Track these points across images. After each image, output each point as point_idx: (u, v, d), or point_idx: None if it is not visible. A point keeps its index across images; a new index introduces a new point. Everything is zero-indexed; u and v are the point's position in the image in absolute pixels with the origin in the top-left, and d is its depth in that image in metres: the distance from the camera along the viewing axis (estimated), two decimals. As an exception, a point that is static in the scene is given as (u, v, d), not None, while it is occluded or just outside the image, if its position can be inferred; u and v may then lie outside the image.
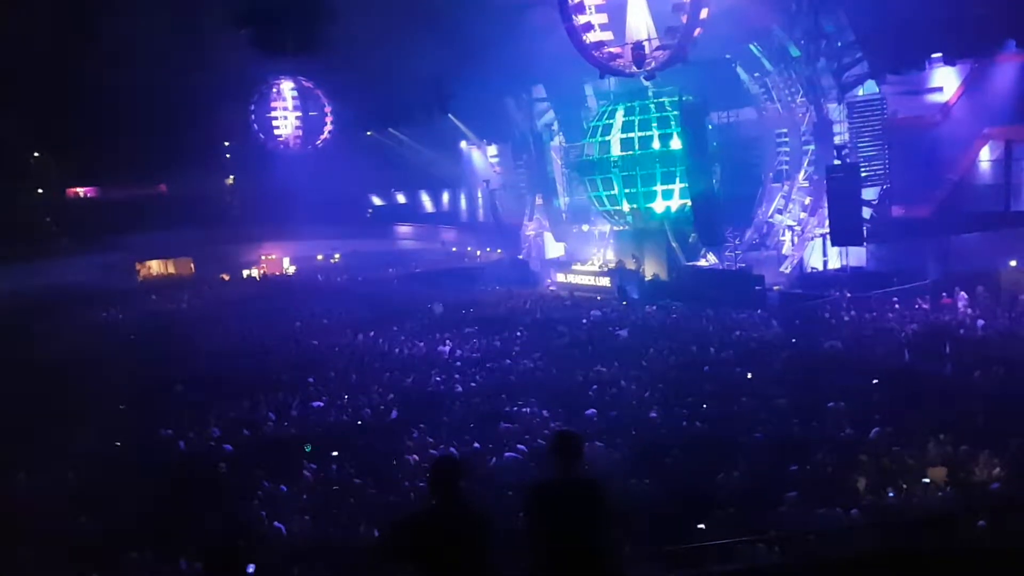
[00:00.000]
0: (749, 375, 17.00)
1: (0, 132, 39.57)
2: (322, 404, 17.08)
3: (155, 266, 52.03)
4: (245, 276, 48.06)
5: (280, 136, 53.07)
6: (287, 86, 52.54)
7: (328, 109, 52.30)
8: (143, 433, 15.55)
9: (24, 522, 10.58)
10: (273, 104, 52.81)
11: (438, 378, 19.07)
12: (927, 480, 10.44)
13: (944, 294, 23.17)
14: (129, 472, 13.01)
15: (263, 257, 51.47)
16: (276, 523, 10.67)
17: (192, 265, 50.83)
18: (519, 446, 13.22)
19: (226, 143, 55.04)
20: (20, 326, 29.28)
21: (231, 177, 57.51)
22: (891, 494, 10.23)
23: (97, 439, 15.00)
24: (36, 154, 50.79)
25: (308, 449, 13.59)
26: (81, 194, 54.96)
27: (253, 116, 51.27)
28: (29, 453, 13.88)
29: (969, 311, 21.79)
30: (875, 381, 15.38)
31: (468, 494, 4.89)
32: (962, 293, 22.74)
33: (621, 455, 12.54)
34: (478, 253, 47.89)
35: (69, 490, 12.46)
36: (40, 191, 51.90)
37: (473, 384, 18.39)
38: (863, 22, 27.30)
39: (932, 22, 25.45)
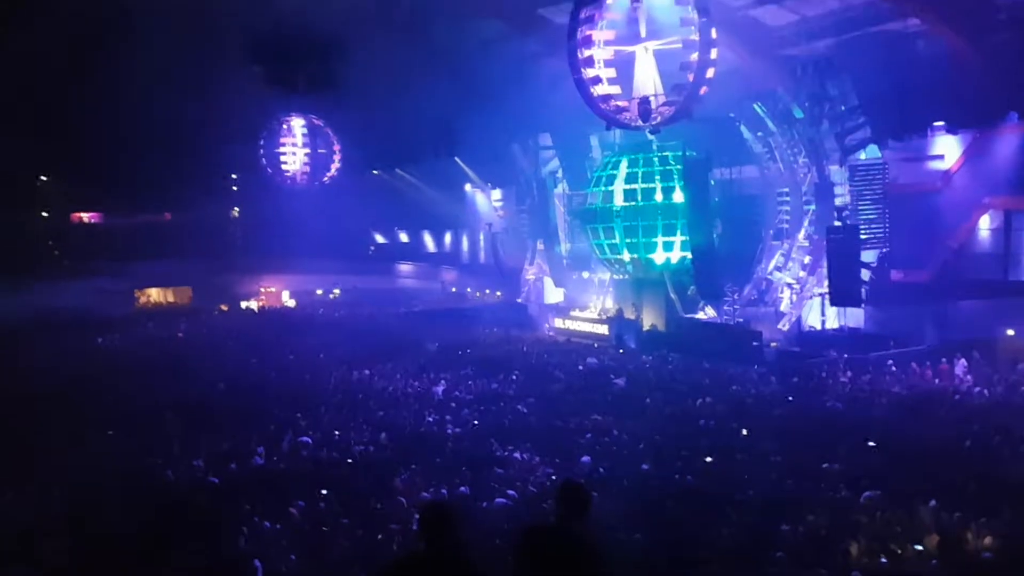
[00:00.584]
0: (744, 431, 16.91)
1: (8, 155, 39.91)
2: (310, 440, 16.94)
3: (154, 294, 52.08)
4: (244, 308, 48.04)
5: (288, 171, 53.48)
6: (298, 123, 53.11)
7: (337, 147, 52.84)
8: (130, 460, 15.40)
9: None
10: (283, 140, 53.32)
11: (431, 418, 18.97)
12: (919, 547, 10.34)
13: (942, 360, 23.16)
14: (112, 500, 12.86)
15: (263, 289, 51.52)
16: (255, 560, 10.50)
17: (191, 294, 50.85)
18: (510, 491, 13.10)
19: (233, 175, 55.50)
20: (13, 348, 29.19)
21: (236, 209, 57.88)
22: (883, 560, 10.12)
23: (83, 465, 14.86)
24: (43, 178, 51.20)
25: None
26: (85, 219, 55.25)
27: (262, 150, 51.76)
28: (11, 477, 13.74)
29: (967, 377, 21.76)
30: (871, 444, 15.30)
31: (457, 540, 4.84)
32: (961, 359, 22.74)
33: (613, 505, 12.41)
34: (478, 294, 47.97)
35: (48, 516, 12.30)
36: (45, 215, 52.18)
37: (465, 426, 18.28)
38: (867, 88, 27.73)
39: (935, 91, 25.89)
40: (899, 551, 10.28)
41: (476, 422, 18.73)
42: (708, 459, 14.81)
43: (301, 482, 13.83)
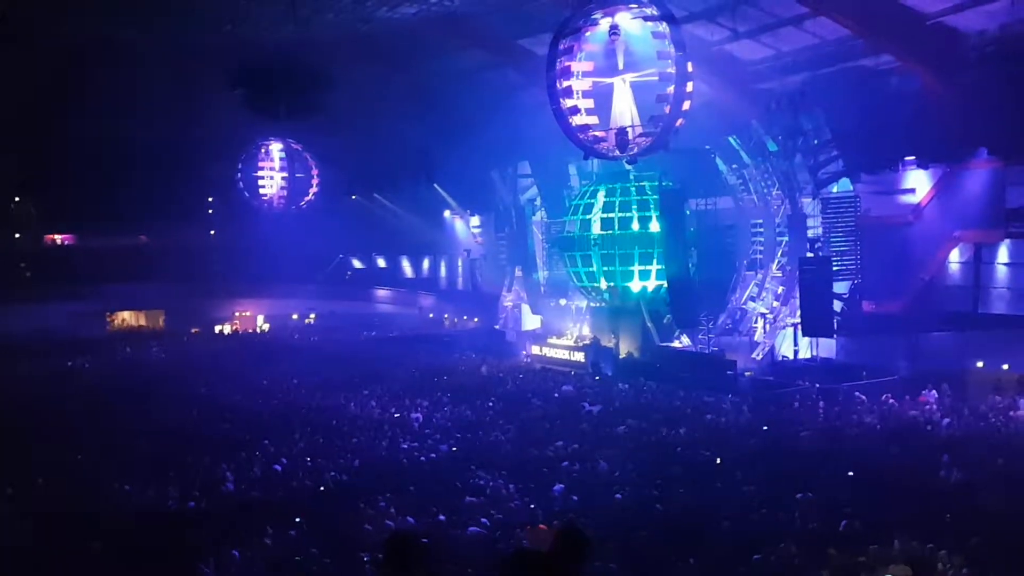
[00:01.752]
0: (719, 460, 16.94)
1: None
2: (280, 468, 16.72)
3: (126, 317, 51.43)
4: (217, 331, 47.54)
5: (265, 195, 53.26)
6: (276, 147, 52.96)
7: (315, 172, 52.76)
8: (97, 486, 15.11)
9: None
10: (261, 164, 53.10)
11: (406, 445, 18.82)
12: (891, 576, 10.38)
13: (913, 390, 23.40)
14: (77, 528, 12.59)
15: (237, 313, 51.06)
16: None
17: (162, 318, 50.28)
18: (484, 520, 13.00)
19: (210, 199, 55.20)
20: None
21: (212, 232, 57.48)
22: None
23: (48, 491, 14.57)
24: (16, 199, 50.63)
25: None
26: (59, 241, 54.59)
27: (240, 174, 51.51)
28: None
29: (937, 409, 22.00)
30: (850, 474, 15.35)
31: (426, 571, 4.77)
32: (932, 391, 22.99)
33: (586, 534, 12.33)
34: (455, 320, 47.87)
35: (15, 543, 12.01)
36: (17, 236, 51.51)
37: (438, 453, 18.15)
38: (840, 122, 28.26)
39: (907, 126, 26.41)
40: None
41: (452, 449, 18.61)
42: (681, 489, 14.80)
43: (272, 510, 13.63)
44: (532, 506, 14.05)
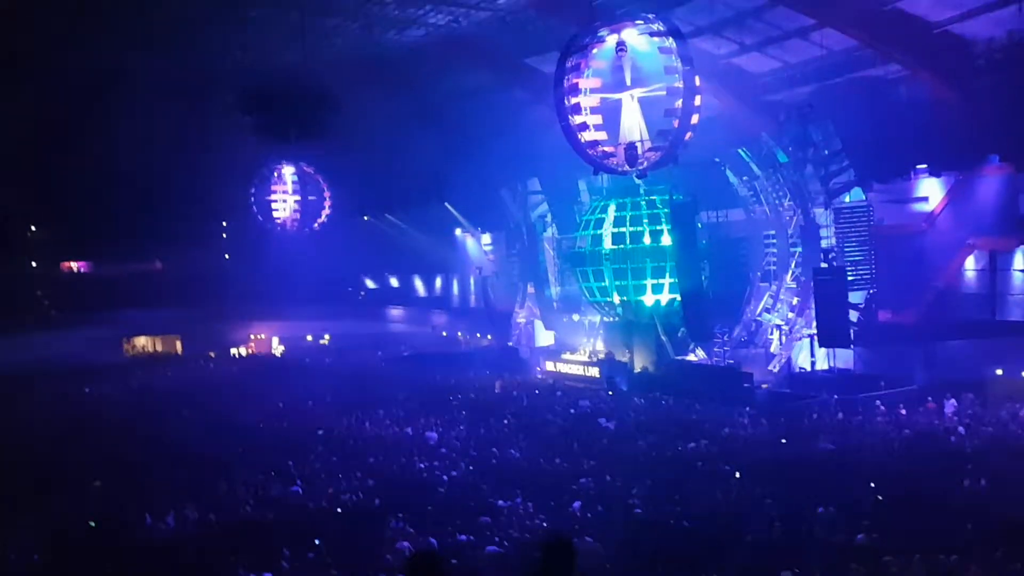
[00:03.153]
0: (737, 474, 16.82)
1: (-2, 204, 40.05)
2: (299, 490, 16.74)
3: (143, 342, 51.74)
4: (233, 355, 47.76)
5: (278, 218, 53.63)
6: (288, 171, 53.28)
7: (327, 194, 53.10)
8: (115, 509, 15.17)
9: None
10: (273, 187, 53.48)
11: (422, 464, 18.78)
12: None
13: (932, 400, 23.18)
14: (99, 552, 12.64)
15: (252, 336, 51.23)
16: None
17: (179, 343, 50.56)
18: (500, 539, 12.93)
19: (224, 223, 55.64)
20: (1, 398, 28.89)
21: (226, 256, 57.90)
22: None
23: (69, 516, 14.63)
24: (33, 228, 51.20)
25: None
26: (75, 268, 55.11)
27: (253, 198, 51.91)
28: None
29: (956, 418, 21.76)
30: (872, 485, 15.19)
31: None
32: (952, 400, 22.76)
33: (606, 551, 12.28)
34: (468, 338, 47.87)
35: (37, 569, 12.07)
36: (34, 264, 52.05)
37: (456, 473, 18.10)
38: (850, 132, 28.20)
39: (917, 135, 26.34)
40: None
41: (468, 468, 18.55)
42: (700, 504, 14.69)
43: (290, 531, 13.63)
44: (546, 524, 13.96)
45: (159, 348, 51.41)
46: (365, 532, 13.72)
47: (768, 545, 12.25)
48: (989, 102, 24.25)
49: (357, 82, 35.93)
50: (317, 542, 12.94)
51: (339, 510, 15.49)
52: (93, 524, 14.36)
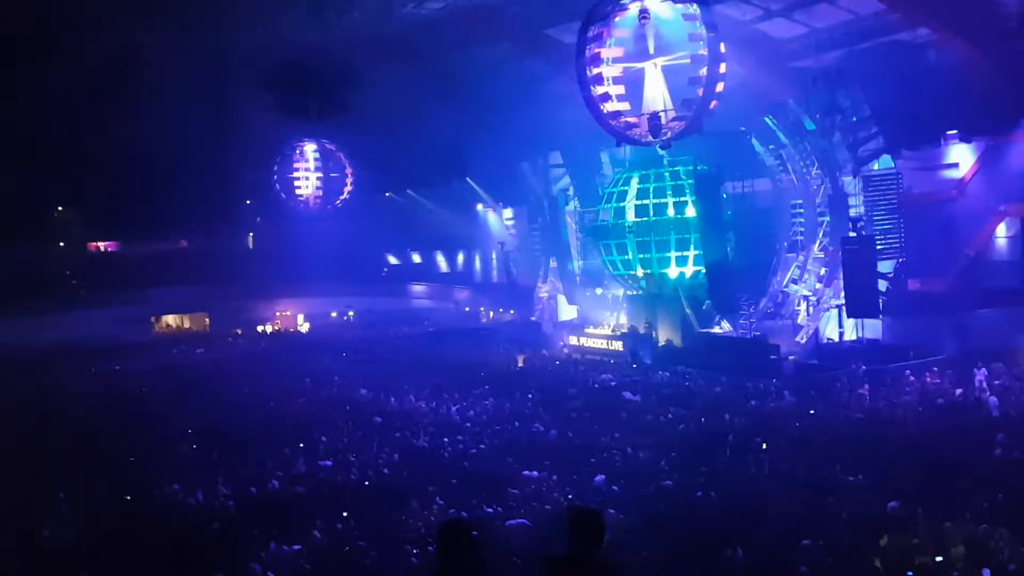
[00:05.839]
0: (764, 445, 16.72)
1: (25, 187, 40.45)
2: (330, 464, 16.91)
3: (170, 320, 52.43)
4: (259, 331, 48.29)
5: (301, 196, 53.99)
6: (310, 148, 53.67)
7: (349, 171, 53.31)
8: (150, 487, 15.41)
9: None
10: (296, 165, 53.88)
11: (447, 439, 18.89)
12: (943, 559, 10.15)
13: (963, 370, 22.84)
14: (133, 527, 12.86)
15: (278, 313, 51.72)
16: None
17: (207, 320, 51.14)
18: (526, 511, 12.99)
19: (248, 201, 56.01)
20: (32, 377, 29.41)
21: (251, 234, 58.34)
22: (909, 574, 9.94)
23: (104, 492, 14.89)
24: (60, 208, 51.84)
25: None
26: (102, 248, 55.80)
27: (276, 176, 52.23)
28: (35, 506, 13.77)
29: (988, 388, 21.44)
30: (899, 454, 15.05)
31: (475, 561, 4.75)
32: (982, 369, 22.41)
33: (631, 524, 12.28)
34: (491, 314, 47.94)
35: (70, 545, 12.31)
36: (62, 244, 52.76)
37: (482, 446, 18.18)
38: (878, 98, 27.65)
39: (947, 100, 25.80)
40: (925, 564, 10.09)
41: (493, 441, 18.63)
42: (727, 476, 14.63)
43: (319, 505, 13.79)
44: (571, 496, 13.99)
45: (187, 325, 52.09)
46: (392, 505, 13.83)
47: (796, 517, 12.17)
48: (1020, 65, 23.66)
49: (377, 57, 35.84)
50: (346, 515, 13.07)
51: (367, 484, 15.63)
52: (127, 499, 14.61)
